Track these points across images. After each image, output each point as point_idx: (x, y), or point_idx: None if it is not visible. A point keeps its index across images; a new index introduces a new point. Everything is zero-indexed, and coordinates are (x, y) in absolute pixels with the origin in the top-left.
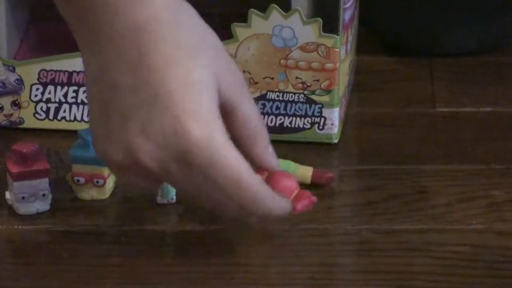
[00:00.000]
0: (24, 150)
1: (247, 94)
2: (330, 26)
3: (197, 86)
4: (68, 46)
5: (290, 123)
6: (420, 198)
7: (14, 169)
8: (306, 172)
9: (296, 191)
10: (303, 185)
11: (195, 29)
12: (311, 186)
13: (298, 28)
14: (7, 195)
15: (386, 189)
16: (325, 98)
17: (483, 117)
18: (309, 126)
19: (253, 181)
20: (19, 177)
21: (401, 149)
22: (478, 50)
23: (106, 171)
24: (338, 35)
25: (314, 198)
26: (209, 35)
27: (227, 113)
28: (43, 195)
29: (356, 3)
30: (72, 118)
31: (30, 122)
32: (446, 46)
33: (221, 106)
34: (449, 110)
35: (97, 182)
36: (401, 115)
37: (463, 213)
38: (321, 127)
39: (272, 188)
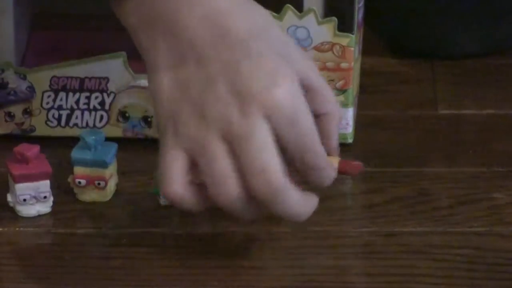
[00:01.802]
0: (26, 152)
1: (321, 77)
2: (343, 25)
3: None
4: (74, 53)
5: None
6: (422, 200)
7: (15, 171)
8: (332, 161)
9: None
10: None
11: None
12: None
13: (313, 28)
14: (9, 197)
15: (388, 192)
16: (340, 98)
17: (485, 120)
18: None
19: (322, 149)
20: (21, 179)
21: (402, 152)
22: (481, 52)
23: (107, 173)
24: (353, 34)
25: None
26: (270, 17)
27: (309, 91)
28: (44, 197)
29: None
30: (84, 125)
31: (42, 130)
32: (450, 48)
33: (303, 85)
34: (451, 112)
35: (99, 184)
36: (403, 118)
37: (464, 216)
38: None
39: None
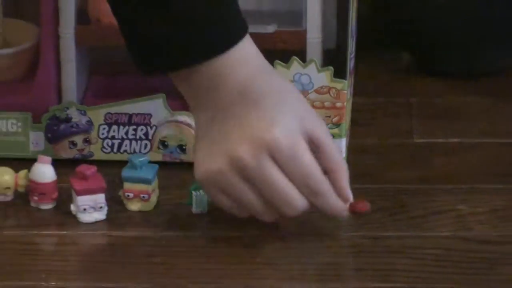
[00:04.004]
0: (85, 171)
1: (328, 133)
2: (338, 73)
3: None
4: (124, 94)
5: None
6: (400, 211)
7: (77, 186)
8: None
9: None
10: None
11: (278, 79)
12: None
13: (314, 75)
14: (72, 207)
15: (373, 204)
16: (335, 131)
17: (451, 147)
18: None
19: (323, 177)
20: (81, 192)
21: (385, 172)
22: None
23: (150, 188)
24: (346, 79)
25: (368, 205)
26: (288, 84)
27: (315, 147)
28: (100, 207)
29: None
30: (132, 151)
31: (98, 155)
32: (480, 67)
33: (309, 140)
34: (424, 141)
35: (143, 197)
36: (385, 145)
37: (435, 223)
38: None
39: None
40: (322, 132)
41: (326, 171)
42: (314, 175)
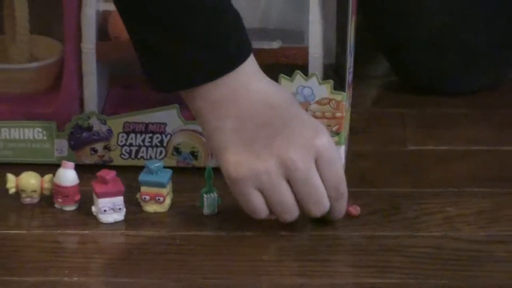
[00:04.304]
0: (106, 176)
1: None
2: (338, 85)
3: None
4: (141, 105)
5: None
6: (395, 212)
7: (98, 189)
8: None
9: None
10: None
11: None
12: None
13: (316, 87)
14: (93, 208)
15: (370, 206)
16: (335, 139)
17: (441, 153)
18: None
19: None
20: (102, 195)
21: (380, 177)
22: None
23: (165, 191)
24: (344, 92)
25: (358, 209)
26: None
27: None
28: (119, 208)
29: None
30: (148, 157)
31: (117, 161)
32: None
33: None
34: (416, 148)
35: (158, 199)
36: (381, 152)
37: (426, 224)
38: None
39: None
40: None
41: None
42: (344, 179)
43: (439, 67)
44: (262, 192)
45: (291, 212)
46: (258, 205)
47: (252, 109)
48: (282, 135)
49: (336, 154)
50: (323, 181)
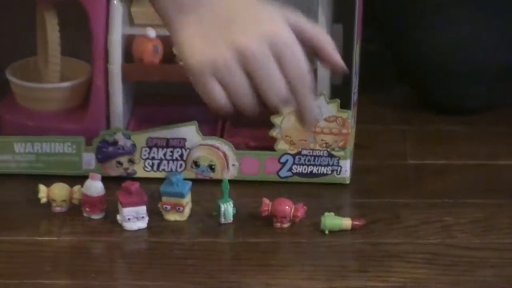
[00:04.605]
0: (130, 187)
1: (307, 21)
2: (343, 104)
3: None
4: (163, 121)
5: (317, 170)
6: (396, 221)
7: (123, 199)
8: (348, 222)
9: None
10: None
11: None
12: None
13: (324, 106)
14: (118, 217)
15: (373, 215)
16: (341, 153)
17: (440, 167)
18: (330, 172)
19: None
20: (126, 205)
21: (383, 189)
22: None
23: (184, 201)
24: (350, 110)
25: (363, 221)
26: None
27: (298, 32)
28: (142, 217)
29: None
30: (169, 170)
31: (141, 173)
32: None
33: (292, 27)
34: (416, 162)
35: (179, 208)
36: (384, 165)
37: (425, 232)
38: (338, 173)
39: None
40: (302, 21)
41: (311, 49)
42: (307, 72)
43: (448, 82)
44: (220, 81)
45: (247, 97)
46: (217, 92)
47: (213, 5)
48: (237, 23)
49: (295, 39)
50: (284, 70)
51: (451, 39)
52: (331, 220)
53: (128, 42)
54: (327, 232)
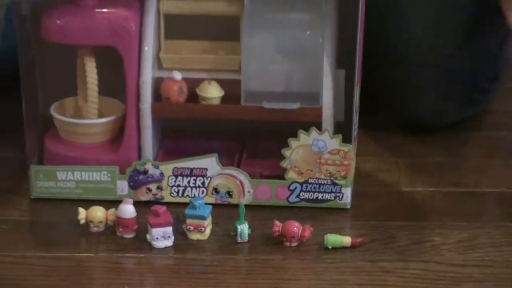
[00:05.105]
0: (158, 210)
1: None
2: (345, 139)
3: None
4: (187, 153)
5: (322, 196)
6: (390, 241)
7: (152, 221)
8: (348, 239)
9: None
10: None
11: None
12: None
13: (328, 140)
14: (147, 236)
15: (371, 236)
16: (343, 182)
17: (429, 194)
18: (333, 198)
19: None
20: (155, 225)
21: (379, 212)
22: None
23: (206, 222)
24: (351, 144)
25: (362, 240)
26: None
27: None
28: (169, 236)
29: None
30: (192, 195)
31: (168, 198)
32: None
33: None
34: (409, 189)
35: (201, 229)
36: (380, 192)
37: (416, 251)
38: (340, 199)
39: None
40: None
41: None
42: None
43: (420, 101)
44: None
45: None
46: None
47: None
48: None
49: None
50: None
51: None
52: (334, 238)
53: (157, 84)
54: (330, 247)
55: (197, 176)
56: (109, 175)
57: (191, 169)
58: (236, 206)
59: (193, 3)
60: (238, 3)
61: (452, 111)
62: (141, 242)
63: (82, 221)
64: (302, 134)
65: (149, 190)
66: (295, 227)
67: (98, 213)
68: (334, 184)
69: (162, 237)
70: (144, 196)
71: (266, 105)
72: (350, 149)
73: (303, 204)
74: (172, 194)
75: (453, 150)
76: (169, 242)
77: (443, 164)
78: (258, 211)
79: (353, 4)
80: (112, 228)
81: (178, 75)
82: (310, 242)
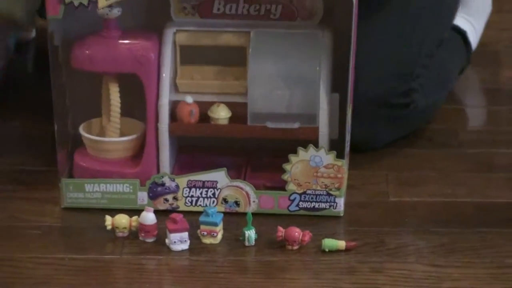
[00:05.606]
0: (175, 217)
1: None
2: (339, 154)
3: None
4: (200, 167)
5: (319, 205)
6: (381, 245)
7: (170, 227)
8: (343, 243)
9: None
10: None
11: None
12: (345, 250)
13: (323, 156)
14: (166, 240)
15: (362, 240)
16: (336, 193)
17: (414, 203)
18: (328, 207)
19: None
20: (173, 231)
21: (370, 220)
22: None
23: (218, 228)
24: (344, 159)
25: (355, 244)
26: None
27: None
28: (185, 241)
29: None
30: (205, 205)
31: (183, 207)
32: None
33: None
34: (396, 199)
35: (213, 234)
36: (370, 202)
37: (403, 253)
38: (334, 208)
39: (288, 233)
40: None
41: None
42: None
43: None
44: None
45: None
46: None
47: None
48: None
49: None
50: None
51: None
52: (330, 242)
53: (174, 106)
54: (327, 250)
55: (208, 187)
56: (131, 187)
57: (203, 182)
58: (243, 214)
59: (206, 36)
60: (245, 35)
61: (381, 133)
62: (161, 246)
63: (109, 227)
64: (301, 151)
65: (166, 200)
66: (296, 232)
67: (123, 220)
68: (329, 194)
69: (179, 241)
70: (161, 206)
71: (270, 124)
72: (343, 163)
73: (302, 212)
74: (186, 204)
75: (436, 164)
76: (185, 246)
77: (426, 177)
78: (263, 219)
79: (346, 36)
80: (135, 233)
81: (189, 99)
82: (309, 245)
